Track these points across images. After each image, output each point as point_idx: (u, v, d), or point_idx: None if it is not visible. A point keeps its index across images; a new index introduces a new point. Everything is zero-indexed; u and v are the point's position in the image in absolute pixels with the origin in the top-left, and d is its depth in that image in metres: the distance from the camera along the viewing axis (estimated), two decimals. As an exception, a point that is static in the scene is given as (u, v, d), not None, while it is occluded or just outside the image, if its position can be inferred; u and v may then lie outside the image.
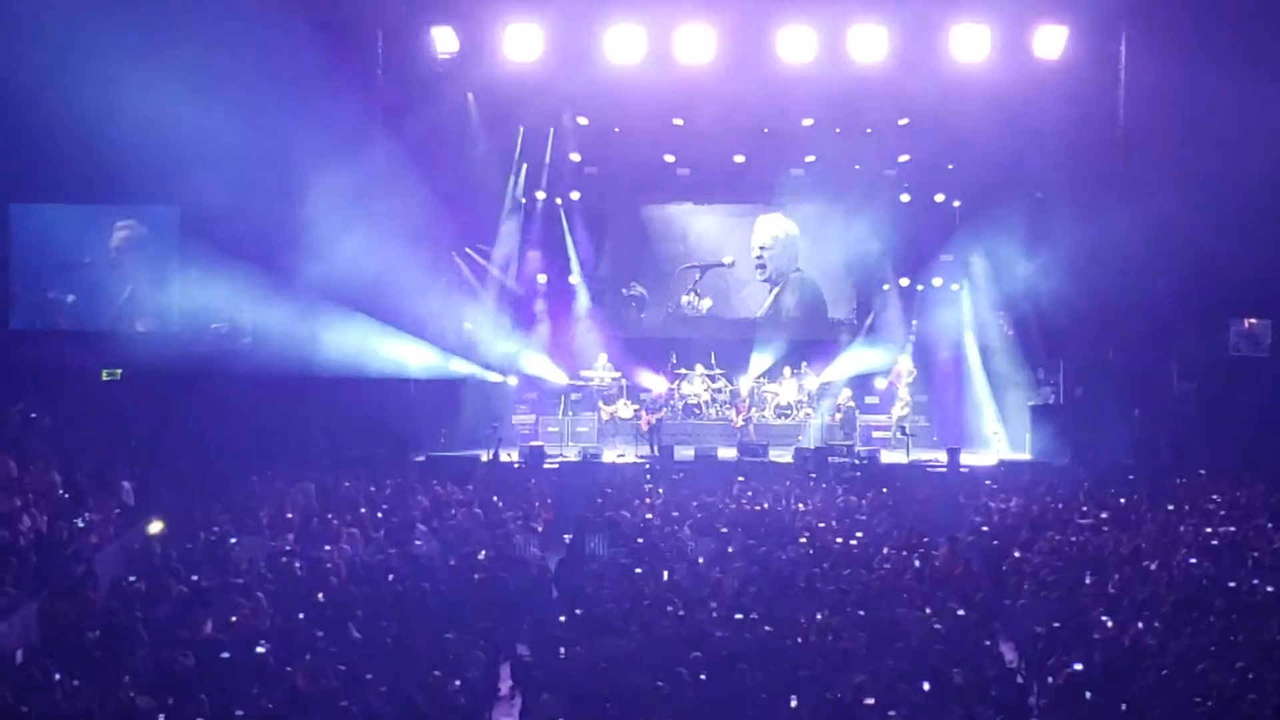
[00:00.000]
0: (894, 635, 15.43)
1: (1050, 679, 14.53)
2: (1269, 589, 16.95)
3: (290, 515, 20.69)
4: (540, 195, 30.72)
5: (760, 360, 30.86)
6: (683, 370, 30.79)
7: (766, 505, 22.22)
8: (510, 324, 30.46)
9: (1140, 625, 15.62)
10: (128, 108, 23.54)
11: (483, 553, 18.82)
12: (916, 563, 18.60)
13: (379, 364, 26.73)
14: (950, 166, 29.77)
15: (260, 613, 15.95)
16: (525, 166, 30.40)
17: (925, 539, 20.04)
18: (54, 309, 27.18)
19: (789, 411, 30.08)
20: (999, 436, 28.93)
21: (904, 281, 31.21)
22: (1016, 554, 19.19)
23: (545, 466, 26.17)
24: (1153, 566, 18.08)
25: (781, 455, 27.65)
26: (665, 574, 17.90)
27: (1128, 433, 26.97)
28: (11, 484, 19.00)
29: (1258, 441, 25.47)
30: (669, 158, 30.60)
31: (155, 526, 19.43)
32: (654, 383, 30.12)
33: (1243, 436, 25.74)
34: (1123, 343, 28.27)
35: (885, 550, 19.22)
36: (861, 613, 16.21)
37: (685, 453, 27.63)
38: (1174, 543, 19.39)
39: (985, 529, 21.14)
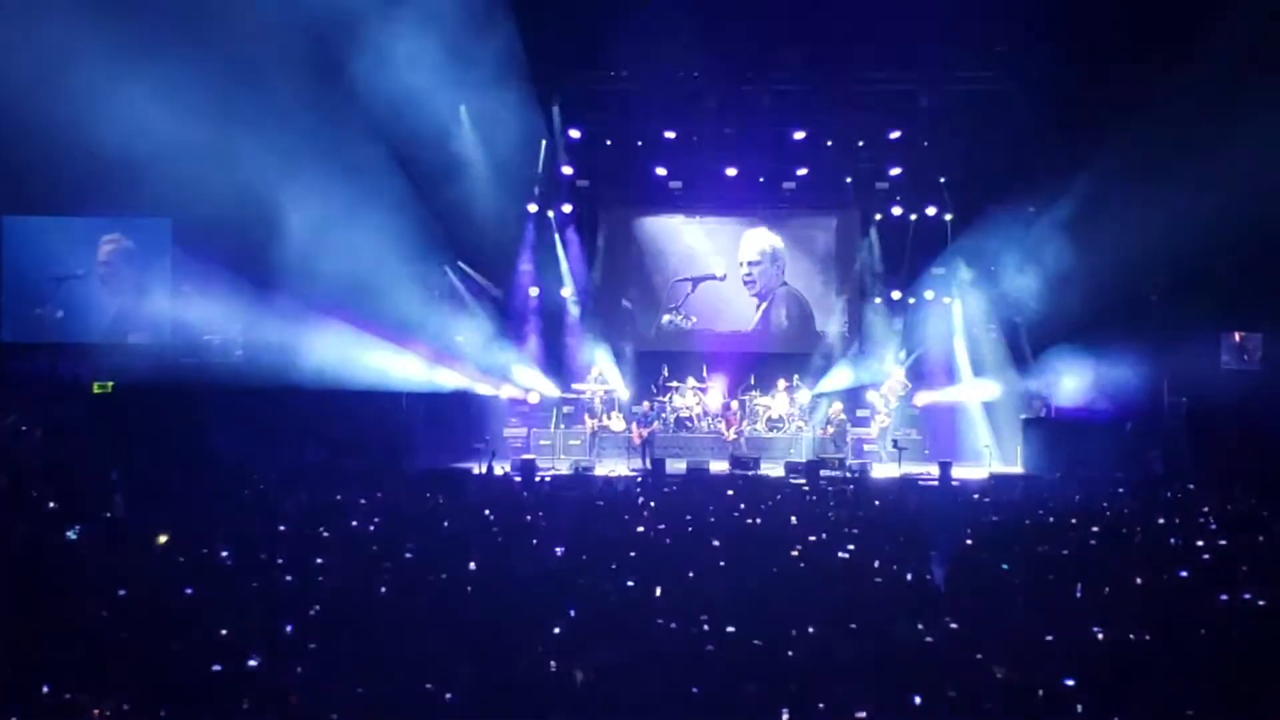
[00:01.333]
0: (886, 649, 15.41)
1: (1041, 692, 14.52)
2: (1260, 603, 16.96)
3: (282, 528, 20.65)
4: (532, 208, 30.75)
5: (752, 373, 30.92)
6: (674, 384, 30.84)
7: (759, 520, 22.21)
8: (501, 336, 30.50)
9: (1131, 638, 15.63)
10: (120, 119, 23.56)
11: (471, 564, 18.80)
12: (908, 576, 18.58)
13: (371, 376, 26.74)
14: (942, 180, 29.87)
15: (251, 626, 15.90)
16: (517, 179, 30.45)
17: (917, 552, 20.03)
18: (45, 321, 27.17)
19: (781, 424, 30.08)
20: (990, 450, 28.97)
21: (895, 295, 31.31)
22: (1007, 567, 19.18)
23: (537, 480, 26.17)
24: (1143, 580, 18.08)
25: (773, 468, 27.68)
26: (657, 589, 17.87)
27: (1119, 446, 27.00)
28: (2, 496, 18.99)
29: (1249, 455, 25.48)
30: (661, 170, 30.67)
31: (162, 539, 19.37)
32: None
33: (1234, 450, 25.75)
34: (1114, 356, 28.33)
35: (877, 564, 19.20)
36: (853, 626, 16.20)
37: (677, 466, 27.67)
38: (1165, 556, 19.39)
39: (975, 543, 21.14)
